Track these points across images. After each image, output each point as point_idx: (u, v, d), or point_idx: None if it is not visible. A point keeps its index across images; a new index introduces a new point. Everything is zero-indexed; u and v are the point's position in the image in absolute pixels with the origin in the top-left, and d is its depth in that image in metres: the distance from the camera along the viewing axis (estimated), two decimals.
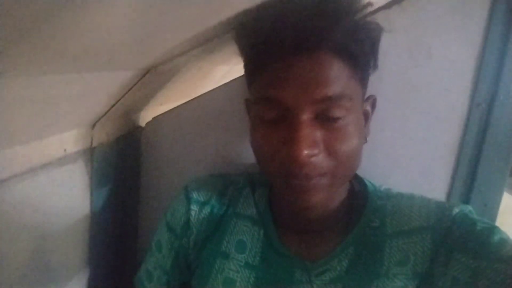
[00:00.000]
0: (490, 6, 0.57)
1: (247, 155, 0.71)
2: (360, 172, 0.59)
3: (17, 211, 0.49)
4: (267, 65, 0.46)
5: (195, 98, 0.73)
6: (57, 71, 0.40)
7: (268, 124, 0.48)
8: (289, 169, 0.45)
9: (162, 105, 0.85)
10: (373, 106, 0.56)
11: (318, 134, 0.45)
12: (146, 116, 0.79)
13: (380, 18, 0.60)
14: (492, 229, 0.46)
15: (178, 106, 0.74)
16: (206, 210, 0.59)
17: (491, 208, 0.62)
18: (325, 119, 0.46)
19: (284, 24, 0.43)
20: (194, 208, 0.58)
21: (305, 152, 0.43)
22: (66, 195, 0.59)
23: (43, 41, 0.30)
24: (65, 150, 0.56)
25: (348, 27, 0.44)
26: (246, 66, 0.52)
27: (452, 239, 0.48)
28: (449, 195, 0.64)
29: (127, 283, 0.76)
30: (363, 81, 0.50)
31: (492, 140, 0.60)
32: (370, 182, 0.58)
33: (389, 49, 0.61)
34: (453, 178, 0.64)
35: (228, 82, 0.70)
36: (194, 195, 0.59)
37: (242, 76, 0.67)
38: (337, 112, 0.45)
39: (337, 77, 0.45)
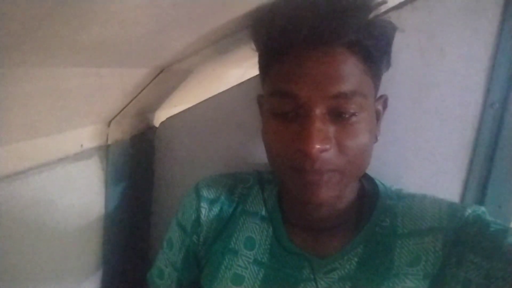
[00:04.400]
0: (504, 4, 0.56)
1: (259, 155, 0.71)
2: (372, 172, 0.59)
3: (34, 204, 0.51)
4: (281, 58, 0.47)
5: (208, 98, 0.74)
6: (74, 64, 0.41)
7: (280, 119, 0.48)
8: (301, 164, 0.45)
9: (176, 106, 0.86)
10: (385, 105, 0.56)
11: (330, 129, 0.45)
12: (160, 116, 0.81)
13: (392, 18, 0.60)
14: (506, 230, 0.45)
15: (191, 107, 0.75)
16: (216, 208, 0.59)
17: (506, 210, 0.61)
18: (337, 115, 0.46)
19: (301, 18, 0.43)
20: (204, 205, 0.59)
21: (317, 146, 0.43)
22: (81, 190, 0.61)
23: (60, 32, 0.32)
24: (81, 145, 0.58)
25: (363, 23, 0.45)
26: (260, 60, 0.53)
27: (465, 240, 0.47)
28: (462, 196, 0.63)
29: (139, 279, 0.77)
30: (376, 79, 0.50)
31: (507, 140, 0.59)
32: (381, 182, 0.58)
33: (401, 49, 0.61)
34: (467, 179, 0.63)
35: (241, 83, 0.71)
36: (204, 193, 0.60)
37: (254, 77, 0.68)
38: (350, 109, 0.45)
39: (351, 73, 0.45)
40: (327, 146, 0.45)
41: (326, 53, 0.44)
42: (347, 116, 0.46)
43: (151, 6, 0.34)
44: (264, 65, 0.52)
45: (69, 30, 0.32)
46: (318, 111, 0.45)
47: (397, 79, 0.62)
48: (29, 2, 0.26)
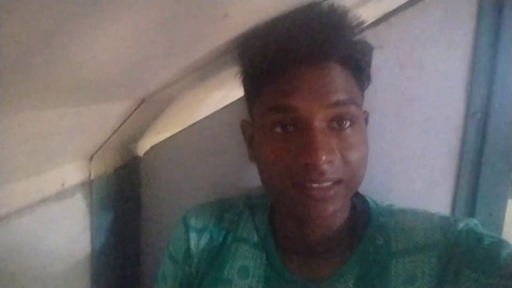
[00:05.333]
0: (477, 15, 0.58)
1: (247, 179, 0.70)
2: (361, 188, 0.58)
3: (16, 249, 0.48)
4: (278, 75, 0.47)
5: (192, 124, 0.73)
6: (52, 106, 0.40)
7: (278, 136, 0.48)
8: (307, 178, 0.45)
9: (160, 133, 0.85)
10: (366, 121, 0.56)
11: (333, 141, 0.46)
12: (144, 146, 0.79)
13: (369, 35, 0.60)
14: (500, 243, 0.45)
15: (175, 134, 0.74)
16: (205, 236, 0.58)
17: (497, 217, 0.61)
18: (336, 128, 0.47)
19: (296, 36, 0.45)
20: (193, 235, 0.58)
21: (324, 158, 0.44)
22: (65, 230, 0.58)
23: (35, 76, 0.31)
24: (63, 184, 0.56)
25: (352, 39, 0.48)
26: (250, 80, 0.53)
27: (459, 255, 0.46)
28: (453, 206, 0.64)
29: None
30: (363, 93, 0.53)
31: (492, 148, 0.60)
32: (372, 199, 0.57)
33: (381, 65, 0.61)
34: (456, 189, 0.63)
35: (224, 107, 0.71)
36: (192, 222, 0.59)
37: (237, 100, 0.68)
38: (347, 119, 0.47)
39: (346, 84, 0.47)
40: (333, 157, 0.45)
41: (321, 68, 0.47)
42: (345, 126, 0.47)
43: (130, 45, 0.33)
44: (255, 86, 0.52)
45: (47, 74, 0.31)
46: (318, 123, 0.45)
47: (379, 95, 0.62)
48: (4, 48, 0.25)
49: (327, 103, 0.45)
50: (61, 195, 0.56)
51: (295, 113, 0.46)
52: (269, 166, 0.49)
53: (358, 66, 0.49)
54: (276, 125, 0.48)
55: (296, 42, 0.45)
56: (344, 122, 0.47)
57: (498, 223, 0.61)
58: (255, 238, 0.57)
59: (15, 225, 0.48)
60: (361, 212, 0.56)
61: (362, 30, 0.49)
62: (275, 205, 0.59)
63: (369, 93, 0.54)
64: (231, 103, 0.70)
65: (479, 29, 0.58)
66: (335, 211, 0.47)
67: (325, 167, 0.44)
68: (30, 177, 0.49)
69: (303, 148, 0.45)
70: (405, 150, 0.64)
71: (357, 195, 0.59)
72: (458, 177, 0.62)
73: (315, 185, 0.46)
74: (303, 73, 0.46)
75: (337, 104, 0.46)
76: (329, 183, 0.46)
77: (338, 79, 0.47)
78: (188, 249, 0.58)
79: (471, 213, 0.63)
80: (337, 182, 0.46)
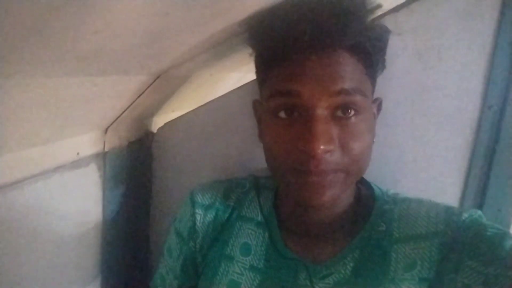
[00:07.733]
0: (500, 7, 0.56)
1: (257, 160, 0.71)
2: (370, 176, 0.58)
3: (30, 213, 0.50)
4: (284, 60, 0.47)
5: (206, 103, 0.74)
6: (68, 74, 0.41)
7: (282, 121, 0.48)
8: (305, 165, 0.45)
9: (174, 111, 0.86)
10: (379, 108, 0.56)
11: (334, 130, 0.46)
12: (158, 122, 0.80)
13: (389, 21, 0.60)
14: (504, 234, 0.45)
15: (189, 112, 0.75)
16: (211, 213, 0.59)
17: (505, 213, 0.60)
18: (339, 117, 0.46)
19: (303, 22, 0.44)
20: (199, 212, 0.59)
21: (322, 147, 0.44)
22: (78, 198, 0.60)
23: (54, 42, 0.32)
24: (78, 153, 0.58)
25: (361, 26, 0.46)
26: (259, 63, 0.53)
27: (462, 245, 0.46)
28: (462, 200, 0.63)
29: (139, 286, 0.77)
30: (373, 80, 0.52)
31: (506, 143, 0.59)
32: (377, 187, 0.57)
33: (399, 52, 0.60)
34: (466, 182, 0.62)
35: (238, 88, 0.71)
36: (199, 199, 0.60)
37: (252, 81, 0.68)
38: (352, 108, 0.46)
39: (352, 72, 0.46)
40: (331, 147, 0.45)
41: (327, 56, 0.46)
42: (350, 115, 0.46)
43: (143, 16, 0.33)
44: (263, 69, 0.52)
45: (62, 40, 0.32)
46: (321, 111, 0.45)
47: (395, 83, 0.62)
48: (21, 13, 0.26)
49: (331, 91, 0.45)
50: (75, 164, 0.58)
51: (298, 99, 0.46)
52: (271, 149, 0.50)
53: (369, 54, 0.48)
54: (280, 109, 0.48)
55: (302, 29, 0.44)
56: (349, 111, 0.46)
57: (506, 219, 0.61)
58: (259, 218, 0.58)
59: (30, 189, 0.49)
60: (366, 199, 0.56)
61: (377, 15, 0.48)
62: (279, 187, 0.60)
63: (384, 80, 0.54)
64: (245, 85, 0.70)
65: (502, 21, 0.57)
66: (333, 197, 0.47)
67: (323, 156, 0.44)
68: (46, 143, 0.51)
69: (303, 135, 0.45)
70: (417, 140, 0.63)
71: (363, 181, 0.59)
72: (469, 170, 0.62)
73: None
74: (308, 60, 0.46)
75: (340, 93, 0.45)
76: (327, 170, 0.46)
77: (345, 67, 0.46)
78: (193, 225, 0.59)
79: (479, 208, 0.62)
80: (335, 170, 0.46)
